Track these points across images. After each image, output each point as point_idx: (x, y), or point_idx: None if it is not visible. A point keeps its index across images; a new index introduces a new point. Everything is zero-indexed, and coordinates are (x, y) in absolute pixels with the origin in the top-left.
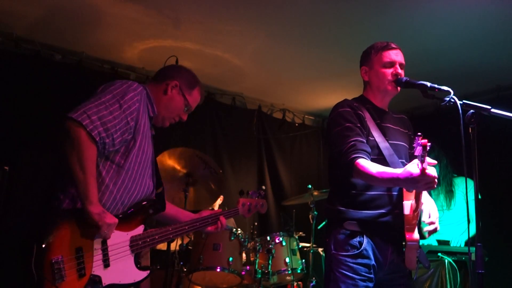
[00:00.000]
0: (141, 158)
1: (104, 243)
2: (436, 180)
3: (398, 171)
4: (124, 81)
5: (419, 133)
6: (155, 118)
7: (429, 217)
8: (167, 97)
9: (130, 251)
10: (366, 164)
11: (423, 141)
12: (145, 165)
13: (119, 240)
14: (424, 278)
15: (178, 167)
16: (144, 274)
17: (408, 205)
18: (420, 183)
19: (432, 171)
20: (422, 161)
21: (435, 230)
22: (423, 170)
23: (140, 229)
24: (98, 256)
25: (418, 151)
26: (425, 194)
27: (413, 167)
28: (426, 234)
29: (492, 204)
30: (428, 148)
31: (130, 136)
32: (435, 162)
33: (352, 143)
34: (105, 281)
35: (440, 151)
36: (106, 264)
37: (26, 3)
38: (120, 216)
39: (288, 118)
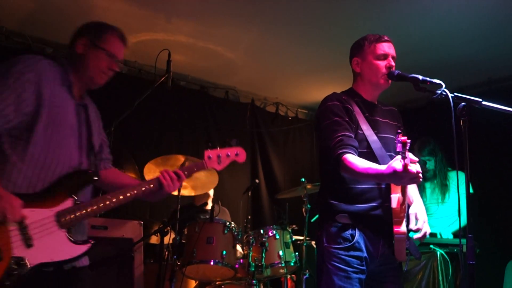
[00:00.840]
0: (54, 130)
1: (20, 222)
2: (420, 175)
3: (383, 167)
4: (15, 57)
5: (399, 131)
6: (83, 82)
7: (416, 223)
8: (82, 57)
9: (59, 227)
10: (353, 159)
11: (402, 138)
12: (62, 136)
13: (41, 217)
14: (416, 270)
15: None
16: (83, 248)
17: (395, 198)
18: (404, 178)
19: (414, 167)
20: (404, 158)
21: (424, 236)
22: (405, 166)
23: (68, 203)
24: (16, 237)
25: (398, 147)
26: (415, 194)
27: (397, 163)
28: (418, 243)
29: (484, 196)
30: (408, 145)
31: (31, 108)
32: (416, 159)
33: (340, 138)
34: (32, 261)
35: (436, 145)
36: (29, 244)
37: None
38: (38, 192)
39: (281, 111)
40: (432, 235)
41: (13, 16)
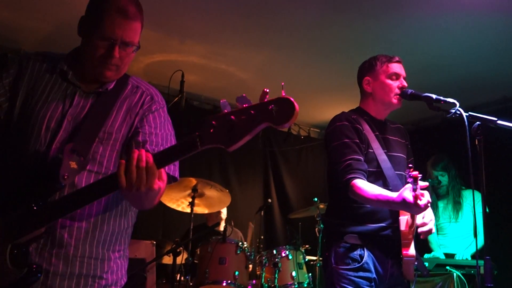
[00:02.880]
0: (27, 121)
1: None
2: (429, 204)
3: (394, 194)
4: None
5: (410, 165)
6: (85, 72)
7: (423, 218)
8: (82, 44)
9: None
10: (362, 185)
11: (414, 173)
12: (35, 127)
13: None
14: None
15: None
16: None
17: (404, 220)
18: (414, 208)
19: (424, 200)
20: (415, 190)
21: (429, 232)
22: (415, 197)
23: None
24: None
25: (409, 180)
26: None
27: (407, 193)
28: (421, 236)
29: (501, 216)
30: (419, 179)
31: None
32: (427, 184)
33: (348, 162)
34: None
35: (450, 161)
36: None
37: (33, 19)
38: None
39: (294, 131)
40: (448, 255)
41: (31, 38)
